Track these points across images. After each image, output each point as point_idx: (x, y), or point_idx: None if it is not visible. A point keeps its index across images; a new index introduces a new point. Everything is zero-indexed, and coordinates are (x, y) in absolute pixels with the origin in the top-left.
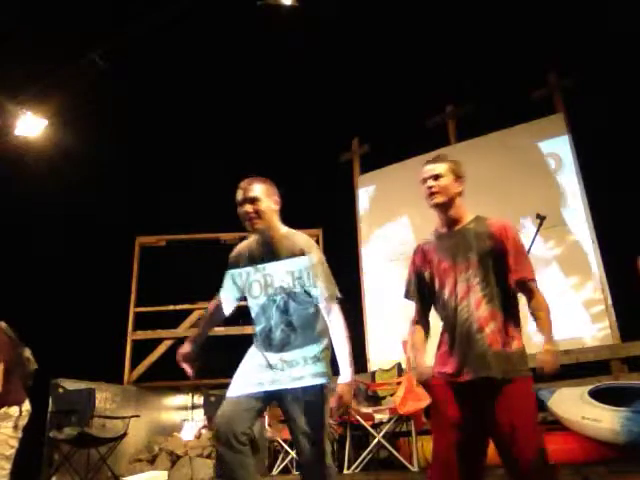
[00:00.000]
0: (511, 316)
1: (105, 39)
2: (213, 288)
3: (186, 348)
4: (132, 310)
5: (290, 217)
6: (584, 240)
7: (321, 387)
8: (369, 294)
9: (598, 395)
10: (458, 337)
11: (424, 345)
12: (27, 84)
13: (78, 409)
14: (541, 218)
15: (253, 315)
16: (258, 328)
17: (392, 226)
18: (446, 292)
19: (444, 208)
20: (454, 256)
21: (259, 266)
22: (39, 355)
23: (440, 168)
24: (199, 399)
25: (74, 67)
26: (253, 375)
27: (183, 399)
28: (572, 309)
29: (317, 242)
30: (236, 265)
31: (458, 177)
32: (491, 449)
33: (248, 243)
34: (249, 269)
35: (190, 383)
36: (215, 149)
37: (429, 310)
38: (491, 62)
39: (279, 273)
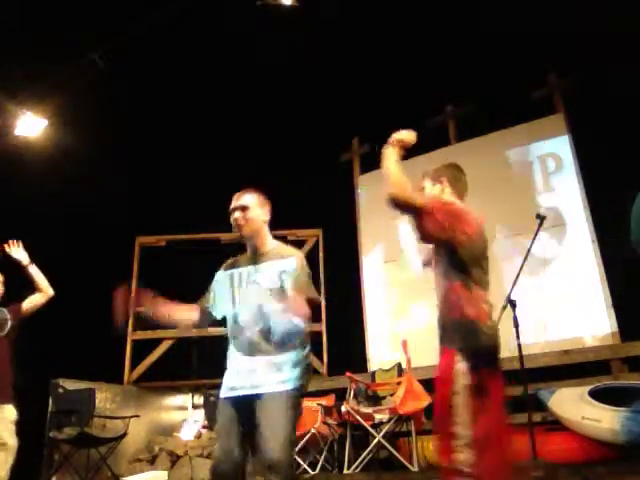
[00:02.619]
0: (452, 293)
1: (105, 39)
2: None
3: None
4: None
5: (290, 217)
6: (584, 240)
7: (288, 393)
8: (369, 294)
9: (598, 395)
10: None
11: None
12: (27, 84)
13: (78, 409)
14: (541, 218)
15: (239, 322)
16: (242, 336)
17: (392, 226)
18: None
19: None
20: None
21: (244, 275)
22: (39, 355)
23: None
24: (199, 399)
25: (74, 67)
26: (232, 381)
27: (183, 399)
28: (572, 309)
29: (317, 242)
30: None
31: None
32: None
33: (237, 259)
34: (235, 278)
35: (190, 383)
36: (216, 149)
37: None
38: (491, 62)
39: (264, 280)
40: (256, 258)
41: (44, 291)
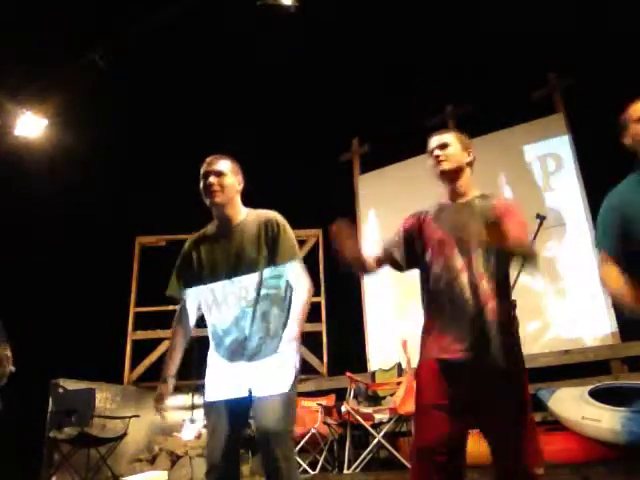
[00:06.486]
0: (507, 301)
1: (105, 39)
2: None
3: (168, 388)
4: (132, 310)
5: (290, 217)
6: (584, 240)
7: (286, 395)
8: (369, 294)
9: (598, 395)
10: (453, 312)
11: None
12: (27, 84)
13: (78, 409)
14: (541, 218)
15: (223, 327)
16: (229, 339)
17: (392, 226)
18: (438, 264)
19: (451, 177)
20: (454, 228)
21: (233, 279)
22: (39, 355)
23: (447, 137)
24: (199, 399)
25: (74, 67)
26: (223, 385)
27: (183, 399)
28: (572, 309)
29: (317, 242)
30: (193, 266)
31: (466, 147)
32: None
33: (205, 237)
34: (221, 283)
35: (190, 383)
36: (216, 149)
37: (402, 267)
38: (491, 62)
39: (252, 282)
40: (229, 230)
41: None
